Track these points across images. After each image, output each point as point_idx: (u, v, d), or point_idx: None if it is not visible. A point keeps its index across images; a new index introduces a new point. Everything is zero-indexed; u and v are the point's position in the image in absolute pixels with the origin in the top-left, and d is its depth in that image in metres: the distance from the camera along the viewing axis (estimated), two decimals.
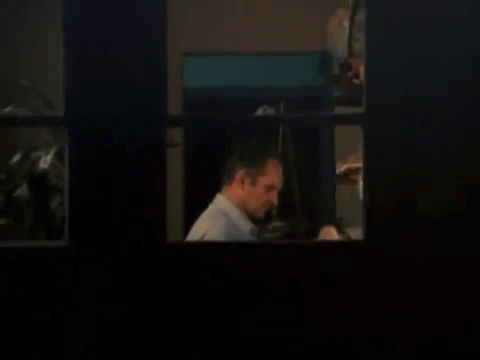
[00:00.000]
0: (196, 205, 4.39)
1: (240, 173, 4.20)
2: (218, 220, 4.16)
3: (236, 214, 4.19)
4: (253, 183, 4.20)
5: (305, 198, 6.00)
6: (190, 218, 4.43)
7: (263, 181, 4.21)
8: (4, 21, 5.88)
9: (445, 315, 2.63)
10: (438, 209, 2.62)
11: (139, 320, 2.60)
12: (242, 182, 4.20)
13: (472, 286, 2.62)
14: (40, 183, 5.38)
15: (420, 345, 2.62)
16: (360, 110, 2.68)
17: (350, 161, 4.28)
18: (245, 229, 4.17)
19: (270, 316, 2.61)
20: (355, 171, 4.16)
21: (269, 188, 4.22)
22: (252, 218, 4.25)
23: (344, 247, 2.88)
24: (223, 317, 2.61)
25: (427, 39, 2.61)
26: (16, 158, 5.45)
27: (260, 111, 5.23)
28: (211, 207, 4.25)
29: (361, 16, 2.88)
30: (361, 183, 2.73)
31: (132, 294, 2.59)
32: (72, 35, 2.59)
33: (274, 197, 4.25)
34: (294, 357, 2.62)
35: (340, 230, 4.38)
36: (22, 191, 5.41)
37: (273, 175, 4.24)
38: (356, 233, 3.53)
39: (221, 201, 4.23)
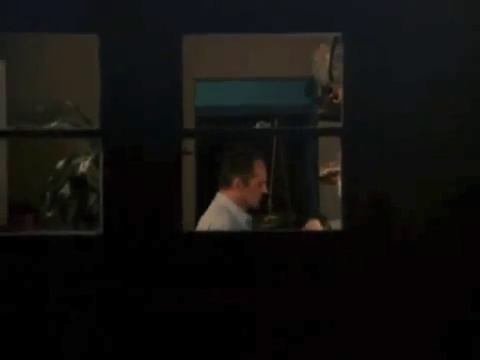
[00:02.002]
0: (205, 201, 4.39)
1: (235, 180, 4.18)
2: (222, 214, 4.15)
3: (235, 209, 4.18)
4: (246, 185, 4.19)
5: (294, 196, 6.00)
6: (199, 212, 4.42)
7: (254, 181, 4.19)
8: (52, 54, 5.89)
9: (415, 295, 2.63)
10: (406, 205, 2.63)
11: (159, 291, 2.62)
12: (238, 186, 4.19)
13: (440, 268, 2.62)
14: (80, 184, 5.37)
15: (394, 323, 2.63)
16: (338, 124, 2.68)
17: (331, 166, 4.26)
18: (242, 221, 4.17)
19: (263, 291, 2.63)
20: (335, 174, 4.13)
21: (260, 184, 4.21)
22: (249, 209, 4.24)
23: (325, 236, 2.88)
24: (223, 291, 2.62)
25: (394, 67, 2.62)
26: (60, 163, 5.44)
27: (258, 125, 5.22)
28: (213, 204, 4.23)
29: (339, 50, 2.88)
30: (340, 184, 2.72)
31: (153, 272, 2.61)
32: (106, 66, 2.59)
33: (265, 188, 4.25)
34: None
35: (323, 222, 4.36)
36: (65, 190, 5.40)
37: (261, 173, 4.22)
38: (336, 225, 3.52)
39: (221, 198, 4.22)
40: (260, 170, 4.23)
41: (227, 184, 4.21)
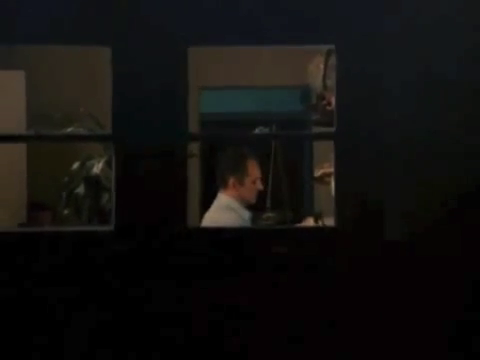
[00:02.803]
0: (209, 200, 4.39)
1: (231, 181, 4.18)
2: (228, 212, 4.15)
3: (237, 206, 4.19)
4: (242, 184, 4.19)
5: (291, 195, 5.99)
6: (203, 210, 4.42)
7: (249, 180, 4.19)
8: (69, 65, 5.89)
9: (408, 291, 2.63)
10: (393, 204, 2.63)
11: (167, 283, 2.62)
12: (234, 186, 4.19)
13: (435, 267, 2.62)
14: (93, 184, 5.38)
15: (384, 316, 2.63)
16: (331, 129, 2.69)
17: (325, 167, 4.25)
18: (245, 217, 4.18)
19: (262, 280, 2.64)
20: (329, 175, 4.13)
21: (254, 181, 4.21)
22: (248, 206, 4.24)
23: (320, 232, 2.89)
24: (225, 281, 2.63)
25: (383, 77, 2.63)
26: (76, 165, 5.45)
27: (257, 130, 5.21)
28: (216, 203, 4.23)
29: (332, 61, 2.89)
30: (333, 184, 2.73)
31: (161, 265, 2.61)
32: (118, 76, 2.60)
33: (259, 185, 4.24)
34: None
35: (318, 220, 4.35)
36: (80, 190, 5.41)
37: (254, 172, 4.22)
38: (329, 221, 3.52)
39: (223, 198, 4.22)
40: (253, 169, 4.23)
41: (224, 184, 4.21)
